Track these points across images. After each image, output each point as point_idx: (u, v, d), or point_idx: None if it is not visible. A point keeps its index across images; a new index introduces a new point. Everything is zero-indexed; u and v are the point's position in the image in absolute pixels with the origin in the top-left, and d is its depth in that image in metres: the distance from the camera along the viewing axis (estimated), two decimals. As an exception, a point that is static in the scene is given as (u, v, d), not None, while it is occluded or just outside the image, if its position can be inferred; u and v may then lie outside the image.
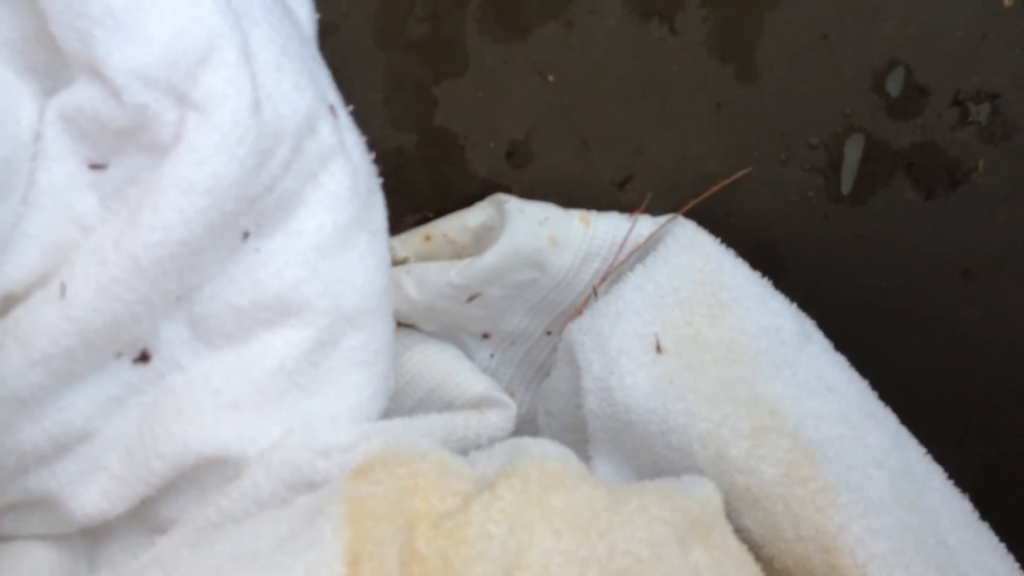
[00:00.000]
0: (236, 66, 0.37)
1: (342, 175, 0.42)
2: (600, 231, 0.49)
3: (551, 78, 0.47)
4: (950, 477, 0.47)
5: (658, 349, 0.47)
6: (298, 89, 0.39)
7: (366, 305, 0.43)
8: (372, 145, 0.48)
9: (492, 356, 0.53)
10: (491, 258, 0.48)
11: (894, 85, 0.47)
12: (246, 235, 0.40)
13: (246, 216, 0.39)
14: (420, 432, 0.44)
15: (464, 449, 0.48)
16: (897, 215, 0.48)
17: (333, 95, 0.43)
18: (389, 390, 0.45)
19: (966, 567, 0.41)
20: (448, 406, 0.50)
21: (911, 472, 0.44)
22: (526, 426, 0.55)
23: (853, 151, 0.48)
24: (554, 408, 0.52)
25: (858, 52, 0.46)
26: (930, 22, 0.46)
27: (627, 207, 0.50)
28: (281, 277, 0.41)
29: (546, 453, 0.40)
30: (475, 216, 0.50)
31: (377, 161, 0.47)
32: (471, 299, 0.49)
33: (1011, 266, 0.48)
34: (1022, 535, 0.50)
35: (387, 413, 0.47)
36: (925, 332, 0.50)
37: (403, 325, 0.52)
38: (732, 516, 0.44)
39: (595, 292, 0.50)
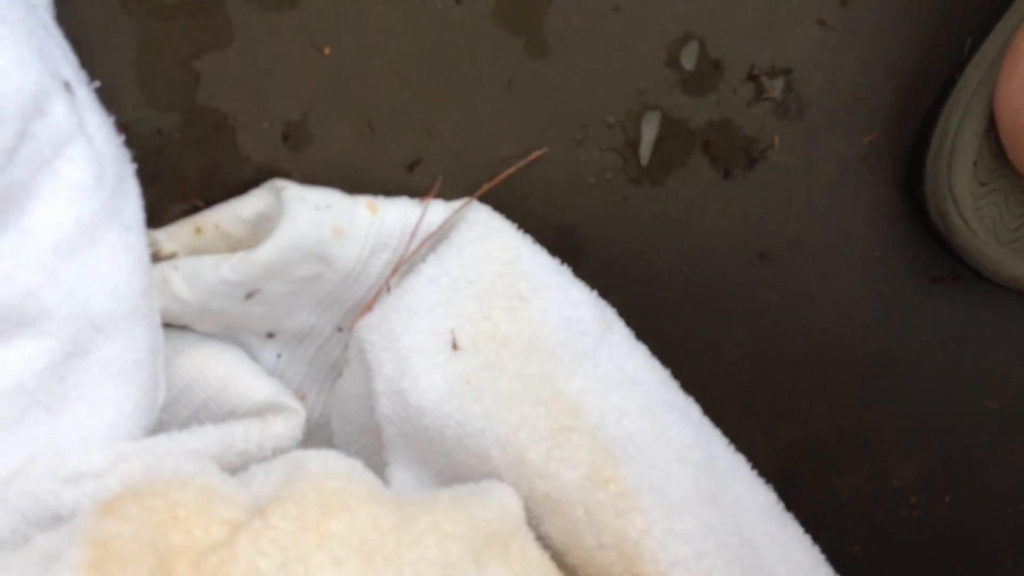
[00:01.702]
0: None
1: (82, 162, 0.36)
2: (389, 218, 0.45)
3: (328, 51, 0.43)
4: (758, 463, 0.46)
5: (454, 347, 0.43)
6: (21, 64, 0.34)
7: (119, 309, 0.38)
8: (126, 127, 0.43)
9: (279, 356, 0.49)
10: (268, 251, 0.43)
11: (688, 60, 0.45)
12: (-34, 235, 0.34)
13: (-37, 213, 0.34)
14: (189, 449, 0.39)
15: (246, 463, 0.43)
16: (695, 196, 0.47)
17: (70, 70, 0.37)
18: (157, 403, 0.40)
19: (771, 563, 0.40)
20: (229, 415, 0.46)
21: (715, 466, 0.42)
22: (320, 431, 0.51)
23: (650, 129, 0.46)
24: (348, 411, 0.48)
25: (651, 25, 0.44)
26: (723, -5, 0.44)
27: (418, 192, 0.46)
28: (12, 282, 0.35)
29: (327, 470, 0.36)
30: (250, 205, 0.45)
31: (134, 144, 0.42)
32: (249, 296, 0.45)
33: (807, 247, 0.47)
34: (827, 517, 0.50)
35: (159, 428, 0.43)
36: (726, 316, 0.49)
37: (175, 327, 0.47)
38: (533, 523, 0.41)
39: (387, 286, 0.46)
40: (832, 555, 0.45)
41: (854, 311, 0.48)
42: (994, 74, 0.42)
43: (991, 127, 0.42)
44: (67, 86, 0.36)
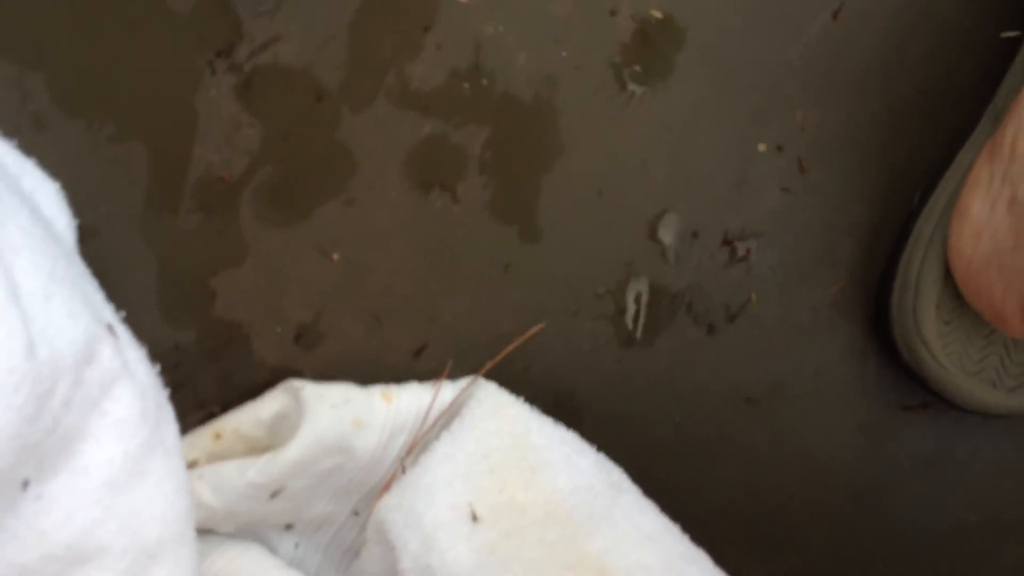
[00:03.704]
0: (3, 307, 0.32)
1: (128, 398, 0.38)
2: (404, 405, 0.47)
3: (336, 257, 0.46)
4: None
5: (474, 518, 0.45)
6: (72, 317, 0.35)
7: (168, 534, 0.39)
8: (148, 346, 0.44)
9: (297, 546, 0.50)
10: (294, 452, 0.45)
11: (667, 232, 0.49)
12: (26, 484, 0.35)
13: (26, 465, 0.35)
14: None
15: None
16: (682, 353, 0.50)
17: (108, 311, 0.39)
18: (199, 617, 0.41)
19: None
20: (258, 613, 0.46)
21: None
22: (339, 612, 0.52)
23: (636, 298, 0.49)
24: (368, 591, 0.49)
25: (632, 204, 0.48)
26: (694, 170, 0.48)
27: (426, 375, 0.48)
28: (70, 524, 0.36)
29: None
30: (268, 406, 0.47)
31: (154, 361, 0.43)
32: (274, 495, 0.46)
33: (789, 389, 0.51)
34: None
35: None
36: (720, 460, 0.52)
37: (198, 530, 0.47)
38: None
39: (403, 467, 0.48)
40: None
41: (837, 444, 0.52)
42: (945, 225, 0.46)
43: (948, 273, 0.46)
44: (110, 328, 0.38)
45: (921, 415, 0.52)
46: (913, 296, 0.47)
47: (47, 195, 0.39)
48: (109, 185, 0.41)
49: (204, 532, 0.48)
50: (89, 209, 0.41)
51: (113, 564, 0.37)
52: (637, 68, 0.46)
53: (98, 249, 0.42)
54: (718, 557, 0.49)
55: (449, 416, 0.48)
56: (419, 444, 0.48)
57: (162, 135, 0.41)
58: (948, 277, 0.47)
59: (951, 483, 0.52)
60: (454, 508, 0.46)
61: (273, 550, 0.49)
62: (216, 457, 0.47)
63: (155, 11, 0.40)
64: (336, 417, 0.45)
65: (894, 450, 0.52)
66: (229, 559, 0.47)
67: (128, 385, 0.38)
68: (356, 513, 0.50)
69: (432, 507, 0.46)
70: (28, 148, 0.38)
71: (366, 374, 0.47)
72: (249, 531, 0.49)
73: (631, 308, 0.49)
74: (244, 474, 0.45)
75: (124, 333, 0.39)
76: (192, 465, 0.46)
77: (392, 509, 0.46)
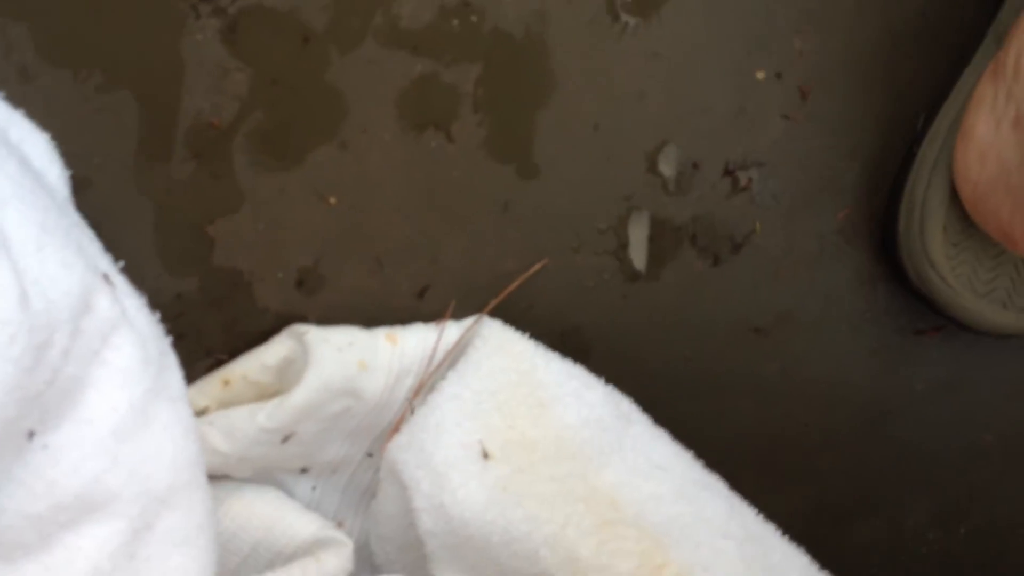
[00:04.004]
0: (-6, 260, 0.33)
1: (129, 347, 0.38)
2: (409, 346, 0.47)
3: (333, 201, 0.46)
4: (781, 524, 0.49)
5: (485, 456, 0.46)
6: (66, 267, 0.36)
7: (179, 480, 0.39)
8: (150, 297, 0.44)
9: (314, 489, 0.51)
10: (301, 395, 0.45)
11: (667, 164, 0.48)
12: (31, 434, 0.36)
13: (29, 416, 0.35)
14: (256, 601, 0.41)
15: (307, 604, 0.45)
16: (688, 285, 0.50)
17: (104, 260, 0.39)
18: (215, 560, 0.42)
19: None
20: (278, 555, 0.47)
21: (752, 536, 0.45)
22: (359, 552, 0.52)
23: (639, 231, 0.49)
24: (385, 531, 0.50)
25: (630, 137, 0.47)
26: (692, 101, 0.47)
27: (430, 316, 0.48)
28: (78, 473, 0.37)
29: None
30: (274, 352, 0.47)
31: (156, 311, 0.43)
32: (285, 440, 0.47)
33: (798, 318, 0.50)
34: (853, 565, 0.53)
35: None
36: (731, 391, 0.51)
37: (212, 477, 0.48)
38: (591, 617, 0.43)
39: (412, 407, 0.48)
40: (861, 601, 0.48)
41: (849, 371, 0.51)
42: (949, 147, 0.45)
43: (955, 195, 0.46)
44: (106, 277, 0.38)
45: (934, 338, 0.51)
46: (920, 220, 0.46)
47: (37, 146, 0.39)
48: (99, 135, 0.42)
49: (220, 478, 0.48)
50: (81, 160, 0.41)
51: (124, 511, 0.38)
52: (630, -3, 0.45)
53: (92, 200, 0.42)
54: (733, 487, 0.49)
55: (455, 356, 0.48)
56: (426, 385, 0.48)
57: (150, 83, 0.41)
58: (954, 199, 0.46)
59: (966, 405, 0.52)
60: (464, 447, 0.46)
61: (290, 493, 0.50)
62: (226, 404, 0.47)
63: (136, -42, 0.40)
64: (341, 360, 0.46)
65: (907, 374, 0.52)
66: (246, 503, 0.48)
67: (128, 334, 0.38)
68: (370, 455, 0.50)
69: (442, 446, 0.46)
70: (15, 100, 0.38)
71: (370, 317, 0.48)
72: (265, 476, 0.49)
73: (634, 242, 0.49)
74: (254, 419, 0.45)
75: (121, 282, 0.40)
76: (202, 412, 0.47)
77: (402, 450, 0.47)
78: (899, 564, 0.53)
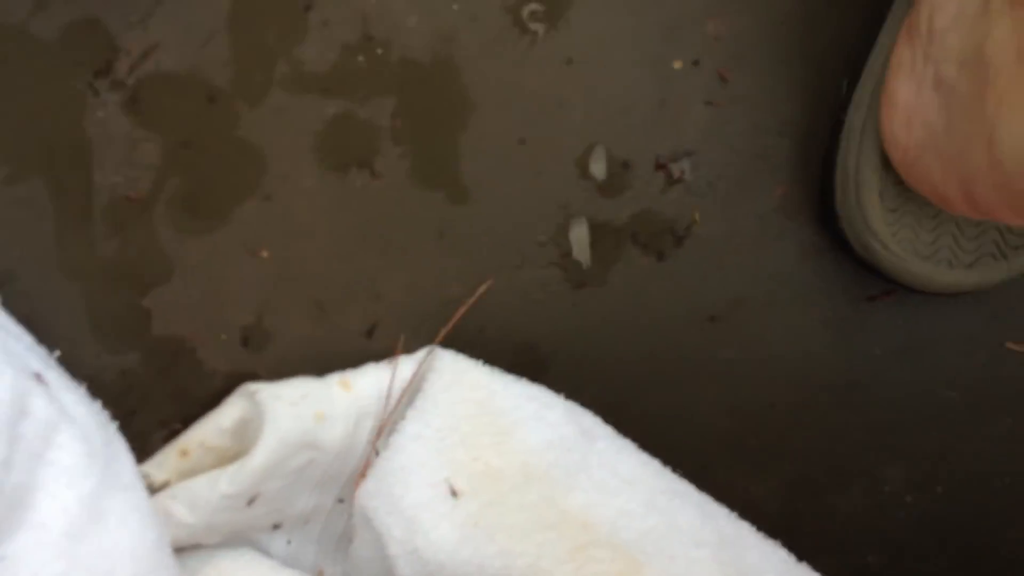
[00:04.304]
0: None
1: (73, 443, 0.37)
2: (364, 389, 0.47)
3: (265, 254, 0.45)
4: (759, 507, 0.49)
5: (453, 494, 0.45)
6: (-5, 376, 0.35)
7: (142, 568, 0.39)
8: (91, 378, 0.43)
9: (289, 543, 0.50)
10: (260, 457, 0.44)
11: (598, 167, 0.47)
12: (-17, 549, 0.35)
13: (-23, 532, 0.34)
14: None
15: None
16: (637, 284, 0.49)
17: (36, 357, 0.38)
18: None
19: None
20: (260, 618, 0.47)
21: (726, 539, 0.45)
22: (345, 597, 0.52)
23: (580, 238, 0.48)
24: (367, 574, 0.50)
25: (556, 145, 0.47)
26: (613, 101, 0.47)
27: (382, 354, 0.48)
28: (38, 578, 0.36)
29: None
30: (228, 414, 0.46)
31: (101, 391, 0.43)
32: (251, 502, 0.46)
33: (750, 301, 0.50)
34: (835, 537, 0.53)
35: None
36: (694, 381, 0.51)
37: (183, 548, 0.47)
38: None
39: (376, 451, 0.47)
40: (850, 571, 0.48)
41: (807, 346, 0.51)
42: (875, 112, 0.45)
43: (887, 160, 0.45)
44: (39, 377, 0.37)
45: (887, 302, 0.51)
46: (855, 189, 0.46)
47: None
48: (16, 227, 0.40)
49: (192, 548, 0.48)
50: (1, 255, 0.40)
51: (90, 608, 0.37)
52: (535, 7, 0.45)
53: (18, 292, 0.41)
54: (708, 477, 0.49)
55: (412, 392, 0.48)
56: (387, 426, 0.47)
57: (58, 167, 0.40)
58: (887, 164, 0.45)
59: (926, 365, 0.52)
60: (432, 486, 0.45)
61: (266, 551, 0.49)
62: (187, 474, 0.46)
63: (22, 44, 0.38)
64: (296, 415, 0.45)
65: (865, 341, 0.52)
66: (221, 571, 0.47)
67: (69, 430, 0.37)
68: (341, 500, 0.50)
69: (410, 489, 0.45)
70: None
71: (321, 364, 0.47)
72: (238, 537, 0.49)
73: (576, 249, 0.48)
74: (216, 487, 0.45)
75: (56, 378, 0.39)
76: (164, 486, 0.46)
77: (371, 497, 0.46)
78: (880, 531, 0.53)
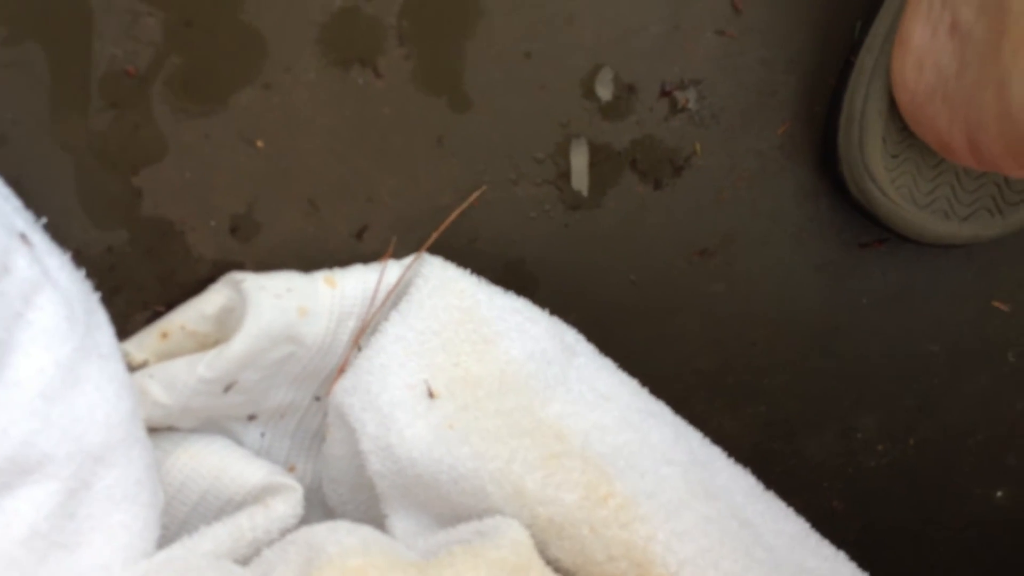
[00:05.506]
0: None
1: (52, 306, 0.37)
2: (349, 289, 0.47)
3: (261, 144, 0.44)
4: (732, 442, 0.49)
5: (431, 395, 0.45)
6: (-22, 229, 0.35)
7: (114, 437, 0.39)
8: (77, 251, 0.43)
9: (263, 435, 0.50)
10: (240, 344, 0.44)
11: (603, 88, 0.47)
12: (-44, 402, 0.35)
13: (-48, 383, 0.35)
14: (204, 553, 0.41)
15: (257, 550, 0.45)
16: (631, 211, 0.49)
17: (21, 219, 0.38)
18: (159, 514, 0.42)
19: (768, 538, 0.43)
20: (227, 504, 0.47)
21: (698, 460, 0.45)
22: (313, 495, 0.52)
23: (579, 159, 0.48)
24: (336, 474, 0.50)
25: (563, 63, 0.46)
26: (623, 21, 0.46)
27: (370, 256, 0.48)
28: (8, 436, 0.36)
29: (343, 548, 0.38)
30: (212, 301, 0.46)
31: (86, 265, 0.43)
32: (227, 389, 0.46)
33: (742, 237, 0.50)
34: (804, 480, 0.53)
35: (162, 531, 0.44)
36: (679, 314, 0.51)
37: (159, 429, 0.48)
38: (540, 549, 0.44)
39: (358, 346, 0.48)
40: (814, 514, 0.48)
41: (795, 287, 0.51)
42: (887, 55, 0.44)
43: (893, 105, 0.45)
44: (23, 237, 0.37)
45: (879, 250, 0.51)
46: (859, 131, 0.46)
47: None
48: (10, 90, 0.40)
49: (165, 430, 0.48)
50: (-6, 117, 0.40)
51: (58, 471, 0.37)
52: (553, -84, 0.44)
53: (9, 156, 0.41)
54: (685, 409, 0.49)
55: (397, 296, 0.48)
56: (369, 326, 0.48)
57: (58, 32, 0.40)
58: (893, 109, 0.45)
59: (913, 316, 0.52)
60: (410, 387, 0.46)
61: (240, 441, 0.50)
62: (165, 356, 0.46)
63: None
64: (280, 307, 0.45)
65: (854, 288, 0.52)
66: (193, 453, 0.47)
67: (51, 293, 0.37)
68: (317, 398, 0.50)
69: (387, 388, 0.45)
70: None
71: (309, 260, 0.47)
72: (213, 425, 0.49)
73: (574, 169, 0.48)
74: (194, 370, 0.45)
75: (41, 240, 0.39)
76: (141, 365, 0.46)
77: (348, 393, 0.46)
78: (850, 478, 0.53)
